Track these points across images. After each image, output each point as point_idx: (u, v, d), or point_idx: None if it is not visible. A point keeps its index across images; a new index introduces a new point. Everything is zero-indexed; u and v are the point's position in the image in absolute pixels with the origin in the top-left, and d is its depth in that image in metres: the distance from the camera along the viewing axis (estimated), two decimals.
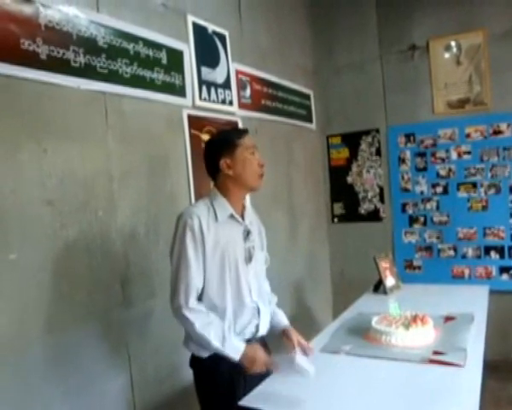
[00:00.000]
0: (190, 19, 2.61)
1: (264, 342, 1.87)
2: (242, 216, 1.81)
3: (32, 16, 1.74)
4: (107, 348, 2.00)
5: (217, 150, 1.76)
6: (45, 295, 1.76)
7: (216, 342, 1.62)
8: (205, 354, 1.69)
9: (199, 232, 1.65)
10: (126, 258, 2.12)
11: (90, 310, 1.94)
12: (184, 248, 1.65)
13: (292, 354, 1.60)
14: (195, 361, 1.76)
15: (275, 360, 1.65)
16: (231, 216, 1.75)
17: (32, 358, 1.70)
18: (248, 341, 1.74)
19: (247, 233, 1.81)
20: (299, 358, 1.58)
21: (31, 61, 1.72)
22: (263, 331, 1.84)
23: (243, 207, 1.84)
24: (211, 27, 2.78)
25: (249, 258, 1.80)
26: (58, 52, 1.82)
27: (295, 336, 1.86)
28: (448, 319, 2.26)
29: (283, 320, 1.95)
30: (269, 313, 1.89)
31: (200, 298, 1.69)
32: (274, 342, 1.92)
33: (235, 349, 1.64)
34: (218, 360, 1.66)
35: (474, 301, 2.59)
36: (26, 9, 1.72)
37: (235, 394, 1.64)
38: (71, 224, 1.88)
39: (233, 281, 1.73)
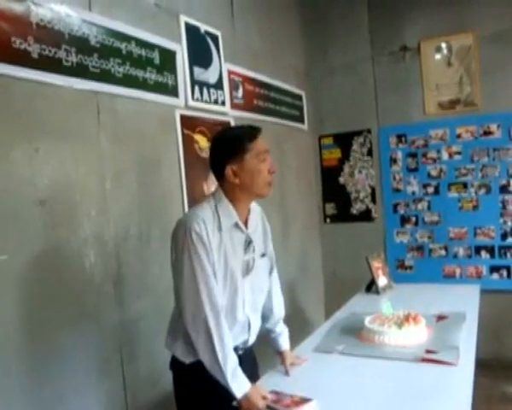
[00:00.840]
0: (183, 19, 2.60)
1: (250, 350, 1.81)
2: (246, 222, 1.68)
3: (24, 15, 1.72)
4: (99, 349, 1.99)
5: (222, 155, 1.60)
6: (36, 295, 1.74)
7: (228, 374, 1.50)
8: (188, 360, 1.61)
9: (206, 238, 1.52)
10: (118, 258, 2.11)
11: (81, 311, 1.92)
12: (197, 256, 1.52)
13: None
14: (178, 365, 1.65)
15: None
16: (235, 225, 1.63)
17: (22, 358, 1.68)
18: (234, 348, 1.62)
19: (248, 243, 1.68)
20: None
21: (22, 59, 1.70)
22: (251, 343, 1.77)
23: (248, 212, 1.70)
24: (203, 27, 2.77)
25: (246, 271, 1.67)
26: (50, 51, 1.81)
27: (289, 360, 1.85)
28: (440, 318, 2.27)
29: (285, 344, 1.89)
30: (259, 324, 1.80)
31: None
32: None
33: (240, 387, 1.52)
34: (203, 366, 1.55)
35: (465, 301, 2.62)
36: (17, 8, 1.70)
37: (220, 400, 1.54)
38: (63, 224, 1.86)
39: (230, 292, 1.62)
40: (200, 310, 1.51)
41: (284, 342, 1.90)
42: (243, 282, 1.66)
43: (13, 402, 1.64)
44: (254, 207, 1.76)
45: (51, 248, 1.81)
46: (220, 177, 1.63)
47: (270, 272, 1.88)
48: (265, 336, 1.90)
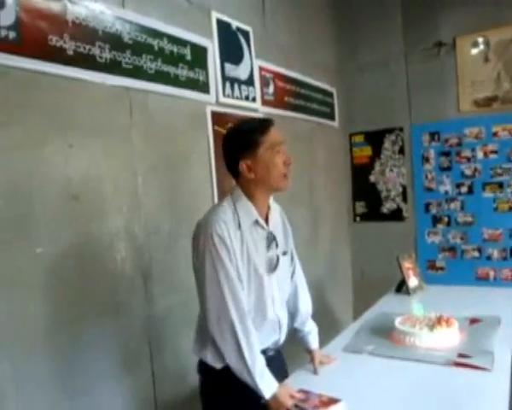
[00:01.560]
0: (214, 15, 2.60)
1: (279, 351, 1.79)
2: (267, 219, 1.66)
3: (60, 13, 1.75)
4: (128, 342, 2.02)
5: (235, 150, 1.58)
6: (69, 288, 1.78)
7: (257, 375, 1.48)
8: (220, 365, 1.57)
9: (229, 239, 1.50)
10: (149, 253, 2.13)
11: (112, 304, 1.95)
12: (219, 259, 1.49)
13: None
14: (208, 369, 1.61)
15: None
16: (256, 222, 1.60)
17: (56, 351, 1.72)
18: (265, 350, 1.63)
19: (271, 240, 1.65)
20: None
21: (58, 56, 1.74)
22: (281, 342, 1.75)
23: (268, 208, 1.67)
24: (235, 24, 2.77)
25: (271, 268, 1.64)
26: (84, 48, 1.84)
27: (318, 359, 1.83)
28: (473, 321, 2.21)
29: (314, 343, 1.87)
30: (287, 322, 1.77)
31: None
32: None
33: (269, 387, 1.50)
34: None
35: (500, 304, 2.52)
36: (54, 6, 1.74)
37: (251, 402, 1.53)
38: (95, 219, 1.89)
39: (256, 292, 1.59)
40: (226, 313, 1.49)
41: (313, 340, 1.88)
42: (270, 279, 1.63)
43: (42, 391, 1.68)
44: (274, 205, 1.74)
45: (83, 242, 1.85)
46: (235, 173, 1.61)
47: (293, 272, 1.85)
48: (294, 335, 1.88)
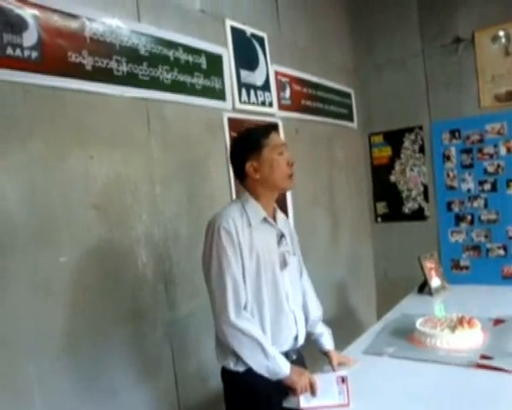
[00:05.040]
0: (228, 23, 2.64)
1: (300, 354, 1.81)
2: (274, 219, 1.74)
3: (78, 30, 1.82)
4: (151, 347, 2.06)
5: (242, 154, 1.68)
6: (93, 295, 1.83)
7: (271, 351, 1.57)
8: (242, 368, 1.61)
9: (236, 236, 1.57)
10: (169, 259, 2.18)
11: (134, 310, 2.00)
12: (225, 254, 1.56)
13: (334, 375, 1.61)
14: (231, 375, 1.65)
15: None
16: (264, 220, 1.68)
17: (80, 356, 1.78)
18: (286, 353, 1.68)
19: (281, 237, 1.73)
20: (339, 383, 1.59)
21: (77, 72, 1.80)
22: (301, 341, 1.77)
23: (274, 210, 1.76)
24: (249, 30, 2.80)
25: (284, 263, 1.71)
26: (102, 62, 1.89)
27: (336, 360, 1.84)
28: (497, 322, 2.18)
29: (327, 344, 1.89)
30: (304, 320, 1.81)
31: None
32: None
33: (284, 362, 1.60)
34: (255, 375, 1.59)
35: None
36: (73, 24, 1.80)
37: (275, 405, 1.60)
38: (116, 227, 1.95)
39: (270, 288, 1.65)
40: (227, 308, 1.56)
41: (326, 342, 1.89)
42: (283, 275, 1.70)
43: (66, 395, 1.73)
44: (280, 213, 1.82)
45: (105, 250, 1.90)
46: (242, 176, 1.70)
47: (300, 276, 1.91)
48: (307, 339, 1.89)
